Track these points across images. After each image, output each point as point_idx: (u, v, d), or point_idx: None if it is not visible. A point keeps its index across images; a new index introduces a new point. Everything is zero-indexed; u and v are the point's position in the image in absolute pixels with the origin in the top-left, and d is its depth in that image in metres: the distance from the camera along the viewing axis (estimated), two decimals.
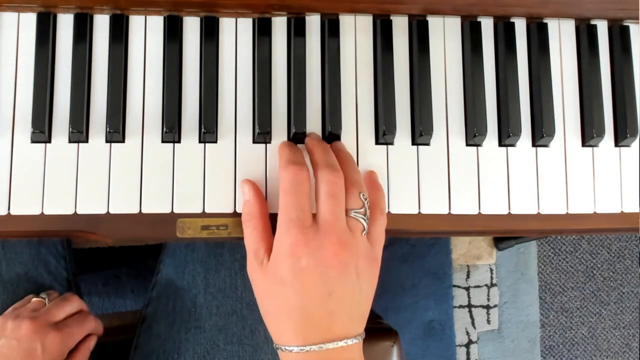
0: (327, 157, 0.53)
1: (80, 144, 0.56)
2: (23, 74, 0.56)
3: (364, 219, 0.52)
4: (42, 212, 0.55)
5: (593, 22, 0.61)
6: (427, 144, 0.59)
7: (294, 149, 0.55)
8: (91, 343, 0.67)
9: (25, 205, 0.55)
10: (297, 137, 0.57)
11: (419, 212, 0.58)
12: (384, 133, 0.57)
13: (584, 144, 0.60)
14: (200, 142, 0.57)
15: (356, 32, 0.59)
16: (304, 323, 0.50)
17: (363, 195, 0.52)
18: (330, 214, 0.50)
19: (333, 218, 0.50)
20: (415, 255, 1.34)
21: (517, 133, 0.58)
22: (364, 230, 0.52)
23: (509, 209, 0.59)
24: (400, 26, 0.60)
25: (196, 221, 0.56)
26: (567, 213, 0.59)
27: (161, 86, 0.57)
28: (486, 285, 1.38)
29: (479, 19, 0.61)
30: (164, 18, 0.58)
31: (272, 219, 0.54)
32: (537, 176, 0.59)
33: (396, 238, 1.31)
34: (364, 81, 0.59)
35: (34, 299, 0.66)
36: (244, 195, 0.55)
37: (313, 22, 0.59)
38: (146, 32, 0.58)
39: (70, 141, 0.56)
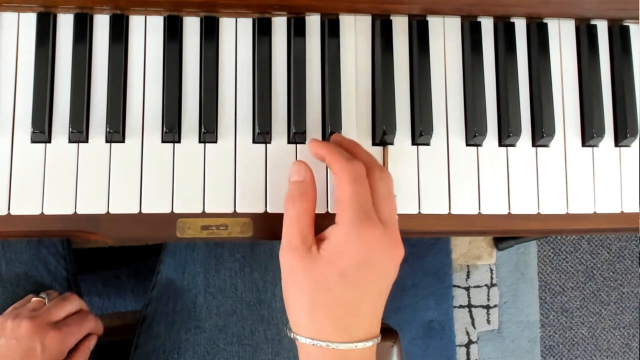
0: (373, 158, 0.53)
1: (80, 144, 0.56)
2: (23, 73, 0.56)
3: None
4: (42, 212, 0.55)
5: (593, 22, 0.61)
6: (427, 144, 0.59)
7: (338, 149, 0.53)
8: (91, 342, 0.67)
9: (25, 205, 0.55)
10: (297, 137, 0.57)
11: (419, 212, 0.58)
12: (384, 133, 0.57)
13: (584, 144, 0.60)
14: (200, 142, 0.57)
15: (356, 32, 0.59)
16: (349, 319, 0.49)
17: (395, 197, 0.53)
18: (393, 212, 0.51)
19: (395, 218, 0.51)
20: (415, 255, 1.34)
21: (517, 133, 0.58)
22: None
23: (509, 209, 0.59)
24: (400, 26, 0.60)
25: (196, 221, 0.56)
26: (567, 213, 0.59)
27: (161, 86, 0.57)
28: (486, 285, 1.38)
29: (479, 19, 0.61)
30: (164, 18, 0.58)
31: (277, 218, 0.54)
32: (537, 176, 0.59)
33: None
34: (364, 81, 0.59)
35: (34, 299, 0.66)
36: (297, 174, 0.52)
37: (313, 22, 0.59)
38: (146, 32, 0.58)
39: (70, 141, 0.56)
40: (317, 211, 0.53)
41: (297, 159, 0.57)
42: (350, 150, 0.53)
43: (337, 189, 0.50)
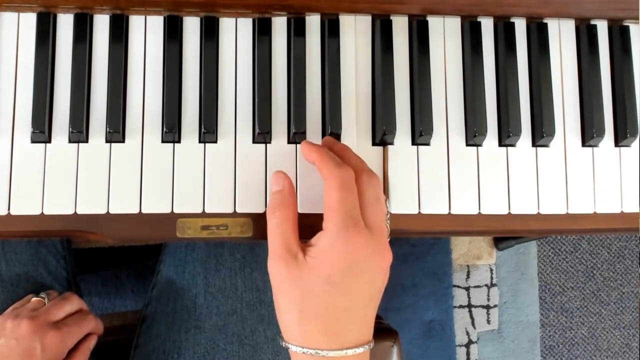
0: (362, 162, 0.53)
1: (80, 144, 0.56)
2: (23, 74, 0.56)
3: (388, 226, 0.53)
4: (42, 212, 0.55)
5: (593, 22, 0.61)
6: (427, 144, 0.59)
7: (331, 155, 0.53)
8: (91, 342, 0.67)
9: (25, 205, 0.55)
10: (297, 137, 0.57)
11: (419, 212, 0.58)
12: (384, 133, 0.57)
13: (584, 144, 0.60)
14: (200, 142, 0.57)
15: (356, 32, 0.59)
16: (338, 326, 0.48)
17: (387, 200, 0.53)
18: (381, 217, 0.50)
19: (383, 222, 0.50)
20: (415, 255, 1.34)
21: (517, 133, 0.58)
22: (389, 236, 0.53)
23: (509, 209, 0.59)
24: (400, 26, 0.60)
25: (196, 221, 0.56)
26: (567, 213, 0.59)
27: (161, 86, 0.57)
28: (486, 285, 1.38)
29: (479, 19, 0.61)
30: (164, 18, 0.58)
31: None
32: (537, 176, 0.59)
33: (396, 238, 1.31)
34: (364, 81, 0.59)
35: (34, 299, 0.66)
36: (276, 184, 0.53)
37: (313, 22, 0.59)
38: (146, 32, 0.58)
39: (70, 141, 0.56)
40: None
41: (297, 159, 0.57)
42: (340, 155, 0.53)
43: (325, 195, 0.50)
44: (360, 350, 0.48)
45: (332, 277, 0.48)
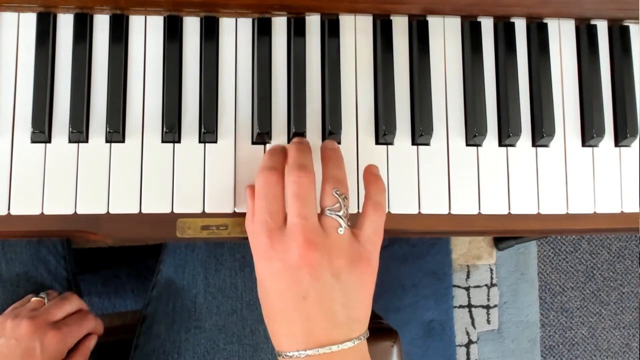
0: (297, 157, 0.51)
1: (80, 144, 0.56)
2: (23, 74, 0.56)
3: (338, 216, 0.50)
4: (42, 212, 0.55)
5: (593, 22, 0.61)
6: (427, 144, 0.59)
7: (271, 154, 0.53)
8: (91, 342, 0.67)
9: (25, 205, 0.55)
10: (296, 137, 0.57)
11: (419, 212, 0.58)
12: (384, 133, 0.57)
13: (584, 144, 0.60)
14: (200, 142, 0.57)
15: (356, 32, 0.59)
16: (287, 328, 0.49)
17: (336, 191, 0.50)
18: (296, 215, 0.49)
19: (299, 219, 0.48)
20: (415, 255, 1.34)
21: (517, 133, 0.58)
22: (341, 227, 0.49)
23: (509, 209, 0.59)
24: (400, 26, 0.60)
25: (196, 221, 0.56)
26: (567, 213, 0.59)
27: (161, 86, 0.57)
28: (486, 285, 1.38)
29: (479, 19, 0.60)
30: (164, 18, 0.58)
31: None
32: (537, 176, 0.59)
33: (396, 238, 1.31)
34: (364, 81, 0.59)
35: (34, 299, 0.66)
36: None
37: (313, 22, 0.59)
38: (146, 32, 0.58)
39: (70, 141, 0.56)
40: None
41: None
42: (289, 150, 0.54)
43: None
44: (326, 350, 0.47)
45: (263, 283, 0.51)
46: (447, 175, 0.59)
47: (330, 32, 0.58)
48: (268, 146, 0.57)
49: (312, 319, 0.48)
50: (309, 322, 0.48)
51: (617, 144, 0.61)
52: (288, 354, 0.48)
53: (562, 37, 0.61)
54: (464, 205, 0.58)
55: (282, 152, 0.54)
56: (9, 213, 0.55)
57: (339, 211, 0.50)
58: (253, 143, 0.57)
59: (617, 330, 1.45)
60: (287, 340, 0.49)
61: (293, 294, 0.48)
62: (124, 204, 0.55)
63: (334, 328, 0.48)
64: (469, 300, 1.37)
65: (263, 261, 0.50)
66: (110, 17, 0.57)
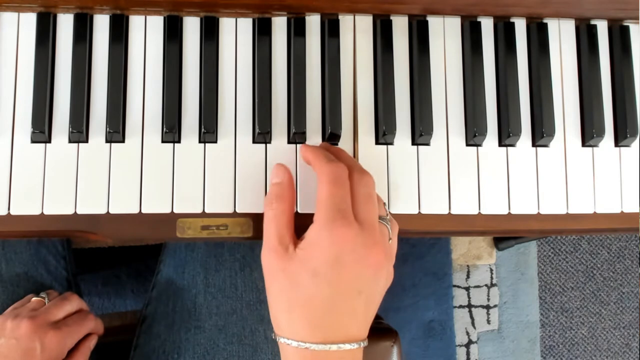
0: (356, 162, 0.53)
1: (80, 144, 0.56)
2: (23, 74, 0.56)
3: (388, 227, 0.52)
4: (42, 212, 0.55)
5: (593, 22, 0.61)
6: (427, 144, 0.59)
7: (332, 158, 0.54)
8: (91, 342, 0.67)
9: (25, 205, 0.55)
10: (297, 137, 0.57)
11: (419, 212, 0.58)
12: (384, 133, 0.57)
13: (584, 144, 0.60)
14: (200, 142, 0.57)
15: (356, 32, 0.59)
16: (324, 318, 0.48)
17: (385, 205, 0.53)
18: (372, 215, 0.50)
19: (374, 220, 0.50)
20: (415, 255, 1.34)
21: (517, 133, 0.58)
22: (390, 238, 0.52)
23: (509, 209, 0.59)
24: (400, 26, 0.60)
25: (196, 221, 0.56)
26: (567, 213, 0.59)
27: (161, 86, 0.57)
28: (486, 285, 1.38)
29: (479, 19, 0.61)
30: (164, 18, 0.58)
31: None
32: (537, 176, 0.59)
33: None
34: (364, 81, 0.59)
35: (34, 299, 0.66)
36: (276, 177, 0.54)
37: (313, 22, 0.59)
38: (146, 32, 0.58)
39: (70, 141, 0.56)
40: None
41: (297, 159, 0.57)
42: (335, 155, 0.54)
43: (318, 189, 0.50)
44: (347, 347, 0.48)
45: (317, 268, 0.48)
46: (447, 176, 0.59)
47: (330, 32, 0.58)
48: (269, 146, 0.57)
49: (357, 314, 0.49)
50: (352, 317, 0.49)
51: (617, 144, 0.61)
52: (319, 346, 0.48)
53: (562, 37, 0.61)
54: (464, 205, 0.58)
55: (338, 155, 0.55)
56: (9, 213, 0.55)
57: (388, 223, 0.53)
58: (253, 143, 0.57)
59: (617, 330, 1.45)
60: (321, 330, 0.48)
61: (352, 287, 0.49)
62: (124, 204, 0.55)
63: (365, 326, 0.50)
64: (469, 300, 1.37)
65: (329, 248, 0.48)
66: (110, 17, 0.57)
